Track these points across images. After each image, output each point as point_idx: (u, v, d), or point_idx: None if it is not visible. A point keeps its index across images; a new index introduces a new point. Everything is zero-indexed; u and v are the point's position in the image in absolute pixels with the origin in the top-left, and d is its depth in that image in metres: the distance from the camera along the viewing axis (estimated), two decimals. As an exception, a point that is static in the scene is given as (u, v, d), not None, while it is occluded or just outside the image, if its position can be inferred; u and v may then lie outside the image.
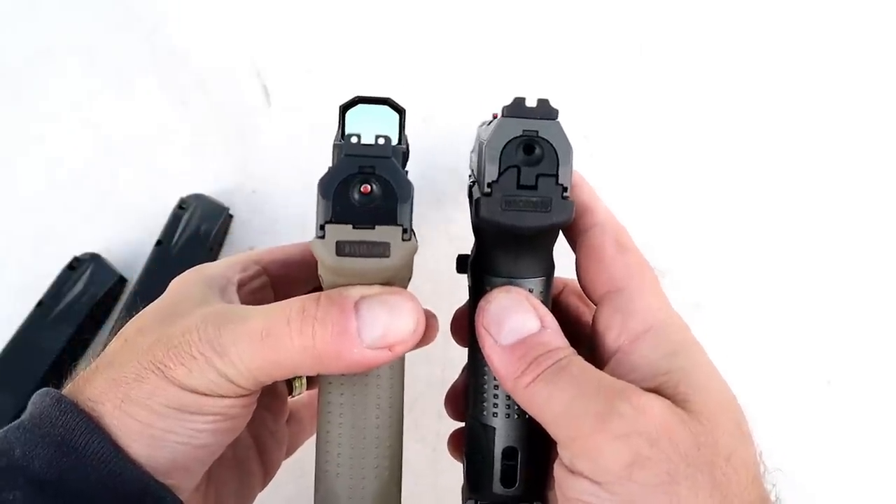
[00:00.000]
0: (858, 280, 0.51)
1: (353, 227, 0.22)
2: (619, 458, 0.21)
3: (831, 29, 0.54)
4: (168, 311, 0.27)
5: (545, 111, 0.25)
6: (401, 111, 0.25)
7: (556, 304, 0.32)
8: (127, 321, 0.29)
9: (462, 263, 0.30)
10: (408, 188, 0.23)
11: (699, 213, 0.52)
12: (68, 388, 0.26)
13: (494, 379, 0.28)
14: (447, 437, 0.45)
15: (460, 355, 0.47)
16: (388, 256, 0.23)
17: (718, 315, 0.51)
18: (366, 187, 0.22)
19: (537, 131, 0.25)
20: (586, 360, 0.25)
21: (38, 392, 0.26)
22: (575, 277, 0.29)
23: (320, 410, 0.27)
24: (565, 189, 0.25)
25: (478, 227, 0.27)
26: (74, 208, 0.53)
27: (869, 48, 0.53)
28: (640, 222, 0.51)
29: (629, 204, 0.52)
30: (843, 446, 0.49)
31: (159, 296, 0.31)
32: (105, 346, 0.28)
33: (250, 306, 0.26)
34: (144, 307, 0.29)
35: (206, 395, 0.25)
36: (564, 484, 0.23)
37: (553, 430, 0.23)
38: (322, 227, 0.22)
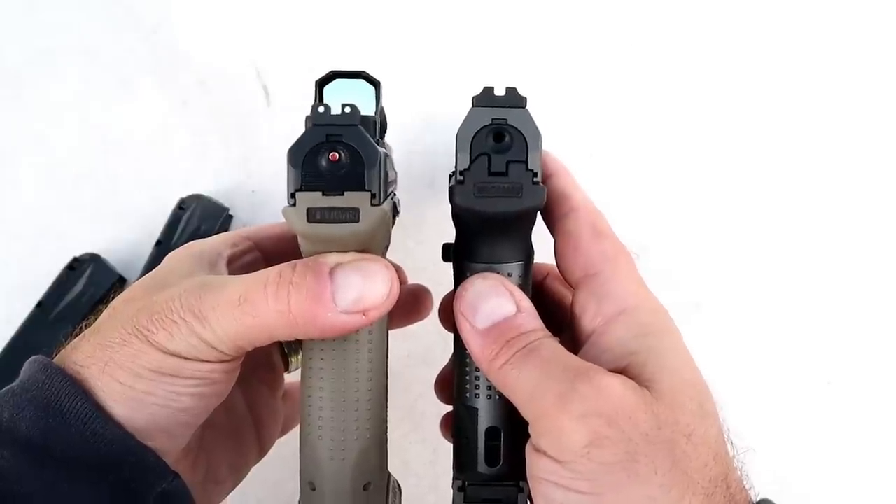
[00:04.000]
0: (858, 281, 0.51)
1: (323, 194, 0.23)
2: (578, 437, 0.22)
3: (827, 29, 0.54)
4: (156, 283, 0.28)
5: (514, 99, 0.26)
6: (376, 83, 0.26)
7: (540, 289, 0.33)
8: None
9: (447, 251, 0.31)
10: (375, 154, 0.23)
11: (699, 215, 0.52)
12: (58, 356, 0.27)
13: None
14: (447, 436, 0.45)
15: (460, 355, 0.47)
16: (358, 221, 0.24)
17: (718, 315, 0.51)
18: (333, 155, 0.23)
19: (506, 119, 0.25)
20: (567, 343, 0.26)
21: (29, 360, 0.28)
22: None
23: (302, 376, 0.28)
24: (535, 174, 0.25)
25: (455, 214, 0.28)
26: (74, 208, 0.53)
27: (866, 47, 0.53)
28: (640, 223, 0.51)
29: (629, 205, 0.52)
30: (844, 447, 0.49)
31: None
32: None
33: (233, 276, 0.27)
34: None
35: (186, 358, 0.25)
36: (531, 463, 0.24)
37: (523, 410, 0.24)
38: (293, 196, 0.23)
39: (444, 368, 0.36)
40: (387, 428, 0.30)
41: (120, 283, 0.49)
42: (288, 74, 0.59)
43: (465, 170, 0.25)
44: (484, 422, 0.28)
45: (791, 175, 0.53)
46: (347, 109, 0.23)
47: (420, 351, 0.49)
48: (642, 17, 0.55)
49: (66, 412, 0.25)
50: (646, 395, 0.22)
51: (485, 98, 0.26)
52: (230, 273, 0.31)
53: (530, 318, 0.26)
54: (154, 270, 0.30)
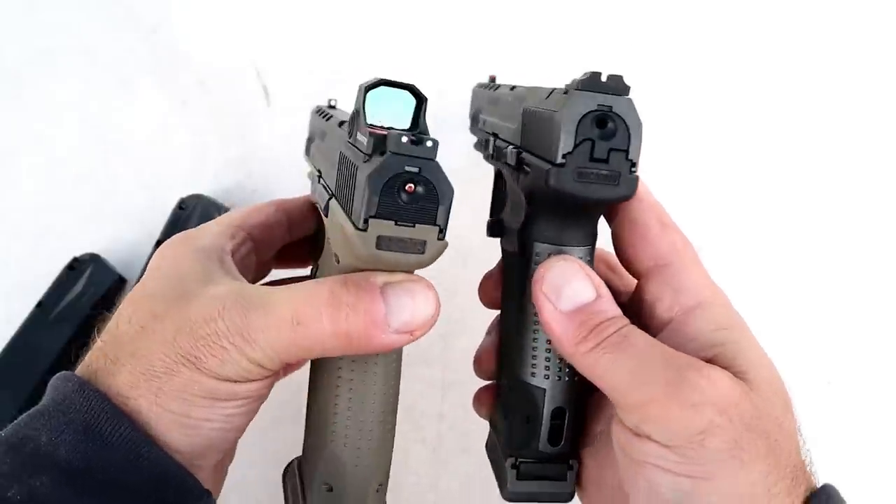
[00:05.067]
0: (859, 281, 0.51)
1: (395, 224, 0.23)
2: (692, 425, 0.22)
3: (843, 28, 0.54)
4: (176, 290, 0.27)
5: (618, 87, 0.25)
6: (422, 99, 0.25)
7: None
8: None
9: (496, 228, 0.31)
10: (449, 191, 0.24)
11: (698, 216, 0.52)
12: (86, 374, 0.26)
13: (547, 342, 0.29)
14: (447, 437, 0.45)
15: (460, 356, 0.47)
16: (423, 253, 0.24)
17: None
18: (410, 187, 0.23)
19: (611, 107, 0.25)
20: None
21: (57, 376, 0.26)
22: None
23: (325, 385, 0.28)
24: (633, 164, 0.25)
25: (537, 193, 0.28)
26: (74, 208, 0.53)
27: (864, 49, 0.53)
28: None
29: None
30: (843, 446, 0.49)
31: None
32: (110, 326, 0.28)
33: (269, 288, 0.27)
34: (140, 281, 0.29)
35: (237, 381, 0.25)
36: (630, 446, 0.24)
37: (616, 395, 0.25)
38: (366, 221, 0.23)
39: (482, 345, 0.35)
40: (395, 420, 0.31)
41: (120, 282, 0.49)
42: (288, 74, 0.59)
43: (567, 153, 0.25)
44: (551, 402, 0.29)
45: (791, 178, 0.53)
46: (429, 143, 0.23)
47: (420, 351, 0.49)
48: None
49: (107, 435, 0.24)
50: (745, 387, 0.23)
51: (591, 83, 0.25)
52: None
53: (611, 303, 0.26)
54: (159, 270, 0.29)
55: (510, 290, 0.31)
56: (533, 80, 0.45)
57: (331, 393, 0.28)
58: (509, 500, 0.30)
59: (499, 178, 0.39)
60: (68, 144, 0.56)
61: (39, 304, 0.46)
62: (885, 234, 0.52)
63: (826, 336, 0.52)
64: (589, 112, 0.25)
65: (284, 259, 0.37)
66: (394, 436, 0.30)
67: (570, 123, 0.25)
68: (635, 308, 0.28)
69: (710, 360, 0.24)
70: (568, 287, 0.26)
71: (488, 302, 0.34)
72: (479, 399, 0.35)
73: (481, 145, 0.38)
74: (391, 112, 0.25)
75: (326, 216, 0.29)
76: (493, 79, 0.45)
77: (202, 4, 0.62)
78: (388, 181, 0.23)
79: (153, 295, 0.28)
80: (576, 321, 0.26)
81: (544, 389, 0.29)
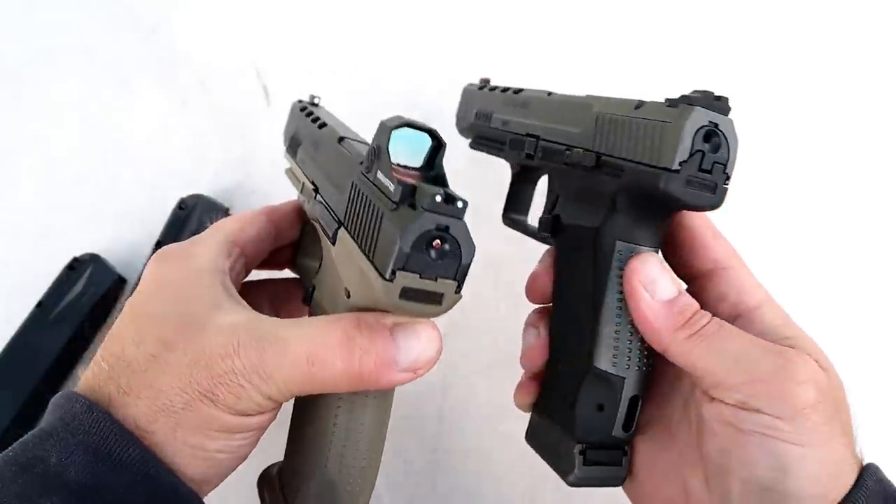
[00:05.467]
0: (860, 281, 0.51)
1: (420, 277, 0.24)
2: (800, 400, 0.26)
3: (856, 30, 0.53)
4: (183, 315, 0.28)
5: (724, 107, 0.28)
6: (441, 144, 0.27)
7: None
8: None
9: (553, 224, 0.34)
10: (471, 250, 0.25)
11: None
12: (93, 396, 0.27)
13: (630, 333, 0.31)
14: (447, 437, 0.45)
15: (460, 358, 0.47)
16: (440, 305, 0.25)
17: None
18: (438, 243, 0.24)
19: (717, 124, 0.28)
20: None
21: (62, 396, 0.27)
22: None
23: (321, 412, 0.30)
24: (728, 178, 0.28)
25: (633, 195, 0.30)
26: (74, 208, 0.53)
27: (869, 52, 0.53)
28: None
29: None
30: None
31: None
32: (114, 348, 0.28)
33: (280, 322, 0.27)
34: (137, 298, 0.29)
35: (251, 415, 0.27)
36: (739, 419, 0.27)
37: (715, 376, 0.28)
38: (393, 273, 0.24)
39: (530, 345, 0.36)
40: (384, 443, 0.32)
41: (119, 283, 0.49)
42: (288, 74, 0.59)
43: (683, 161, 0.27)
44: (629, 390, 0.31)
45: (790, 174, 0.53)
46: (460, 204, 0.24)
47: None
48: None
49: (116, 456, 0.25)
50: (825, 371, 0.27)
51: (704, 100, 0.28)
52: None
53: (691, 298, 0.30)
54: (159, 287, 0.29)
55: (576, 284, 0.32)
56: (525, 81, 0.46)
57: (328, 421, 0.30)
58: (573, 486, 0.32)
59: (523, 175, 0.41)
60: (68, 144, 0.56)
61: (39, 304, 0.46)
62: (885, 237, 0.52)
63: (826, 335, 0.52)
64: (702, 127, 0.28)
65: (265, 262, 0.37)
66: (381, 455, 0.31)
67: (688, 135, 0.27)
68: (702, 306, 0.31)
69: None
70: (661, 280, 0.29)
71: (539, 299, 0.36)
72: (524, 390, 0.36)
73: (504, 144, 0.39)
74: (409, 150, 0.26)
75: (333, 244, 0.30)
76: (487, 81, 0.46)
77: (202, 4, 0.62)
78: (419, 237, 0.24)
79: (159, 317, 0.28)
80: (673, 311, 0.29)
81: (623, 378, 0.31)
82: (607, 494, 0.44)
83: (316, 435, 0.30)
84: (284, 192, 0.43)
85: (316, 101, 0.41)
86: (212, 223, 0.35)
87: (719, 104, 0.28)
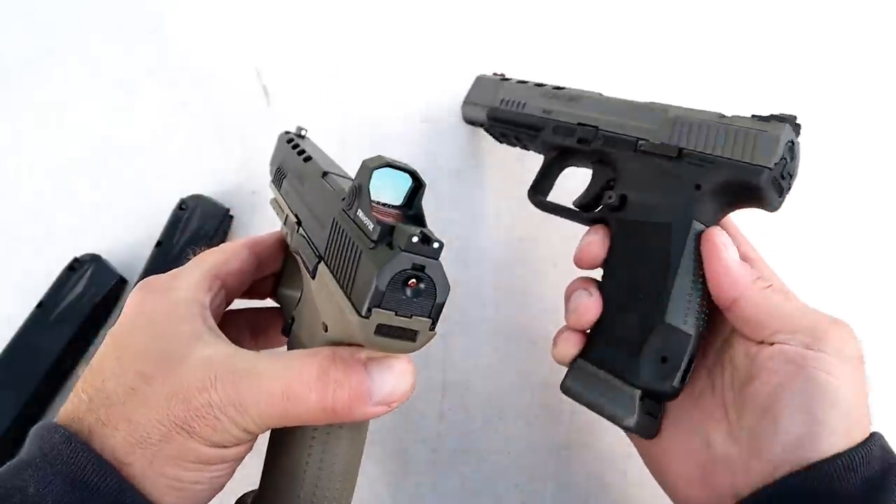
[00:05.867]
0: (856, 283, 0.51)
1: (395, 315, 0.25)
2: (856, 349, 0.33)
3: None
4: (163, 349, 0.28)
5: (798, 129, 0.36)
6: (421, 184, 0.27)
7: None
8: None
9: (621, 200, 0.39)
10: (446, 290, 0.26)
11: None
12: (72, 426, 0.27)
13: (699, 296, 0.36)
14: (447, 437, 0.45)
15: (459, 358, 0.47)
16: (414, 341, 0.26)
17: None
18: (413, 282, 0.25)
19: (794, 142, 0.36)
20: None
21: (41, 426, 0.28)
22: None
23: (296, 443, 0.31)
24: (790, 188, 0.37)
25: (725, 185, 0.36)
26: (75, 209, 0.53)
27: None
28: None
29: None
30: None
31: None
32: (95, 380, 0.29)
33: (257, 355, 0.28)
34: (118, 330, 0.30)
35: (227, 447, 0.27)
36: (805, 357, 0.32)
37: (788, 321, 0.33)
38: (369, 310, 0.25)
39: (584, 302, 0.39)
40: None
41: (120, 283, 0.49)
42: (288, 74, 0.59)
43: (776, 163, 0.35)
44: (692, 346, 0.35)
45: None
46: (436, 245, 0.25)
47: (420, 352, 0.49)
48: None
49: (94, 486, 0.25)
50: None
51: (790, 120, 0.36)
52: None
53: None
54: (140, 320, 0.30)
55: (646, 252, 0.38)
56: (530, 73, 0.45)
57: (303, 452, 0.30)
58: (629, 430, 0.36)
59: (559, 160, 0.46)
60: (69, 145, 0.56)
61: (40, 305, 0.46)
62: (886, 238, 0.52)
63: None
64: (790, 140, 0.36)
65: (246, 292, 0.38)
66: (355, 486, 0.33)
67: (782, 144, 0.35)
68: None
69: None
70: (733, 247, 0.35)
71: (589, 265, 0.40)
72: (569, 342, 0.38)
73: (542, 130, 0.46)
74: (390, 189, 0.27)
75: (313, 278, 0.31)
76: (502, 74, 0.52)
77: (202, 4, 0.62)
78: (395, 276, 0.24)
79: (139, 350, 0.29)
80: (747, 267, 0.35)
81: (690, 335, 0.35)
82: (604, 488, 0.44)
83: (290, 466, 0.31)
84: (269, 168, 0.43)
85: (303, 132, 0.42)
86: (195, 253, 0.36)
87: (797, 126, 0.36)
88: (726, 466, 0.33)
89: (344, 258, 0.27)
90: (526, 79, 0.50)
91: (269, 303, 0.41)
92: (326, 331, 0.29)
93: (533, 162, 0.53)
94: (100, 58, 0.60)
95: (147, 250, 0.48)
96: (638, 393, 0.35)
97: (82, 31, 0.61)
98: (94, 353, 0.46)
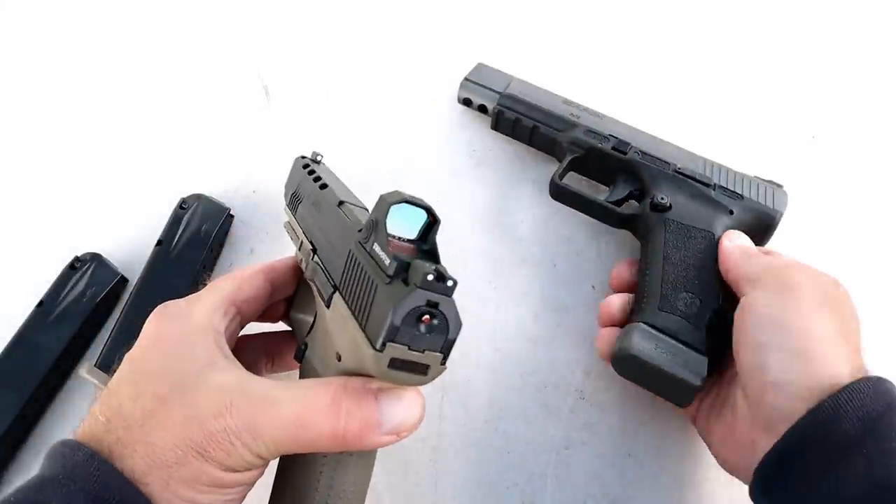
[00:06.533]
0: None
1: (409, 349, 0.26)
2: (797, 279, 0.37)
3: None
4: (179, 373, 0.29)
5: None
6: (436, 220, 0.28)
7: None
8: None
9: (660, 207, 0.46)
10: (458, 327, 0.26)
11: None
12: (92, 445, 0.28)
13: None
14: (447, 437, 0.45)
15: (460, 357, 0.47)
16: (425, 375, 0.27)
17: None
18: (427, 318, 0.25)
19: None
20: None
21: (62, 444, 0.29)
22: None
23: (306, 474, 0.31)
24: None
25: (752, 215, 0.46)
26: (75, 208, 0.53)
27: None
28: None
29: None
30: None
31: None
32: (112, 401, 0.30)
33: (272, 383, 0.29)
34: (136, 353, 0.31)
35: (240, 471, 0.28)
36: (747, 301, 0.37)
37: (748, 273, 0.39)
38: (384, 344, 0.25)
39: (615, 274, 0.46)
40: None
41: (121, 282, 0.49)
42: (288, 74, 0.59)
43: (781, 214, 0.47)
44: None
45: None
46: (450, 283, 0.25)
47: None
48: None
49: (116, 503, 0.26)
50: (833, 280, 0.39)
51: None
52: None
53: (764, 252, 0.42)
54: (156, 343, 0.31)
55: (689, 246, 0.44)
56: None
57: (312, 478, 0.31)
58: (697, 392, 0.39)
59: (579, 161, 0.50)
60: (69, 144, 0.56)
61: (40, 304, 0.46)
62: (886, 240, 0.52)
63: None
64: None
65: (259, 316, 0.38)
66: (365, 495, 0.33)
67: (786, 201, 0.48)
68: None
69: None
70: (744, 238, 0.43)
71: (620, 287, 0.45)
72: (608, 339, 0.42)
73: (572, 128, 0.50)
74: (405, 224, 0.28)
75: (328, 307, 0.31)
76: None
77: (203, 5, 0.62)
78: (410, 312, 0.25)
79: (156, 374, 0.30)
80: (742, 249, 0.42)
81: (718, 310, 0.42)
82: (604, 488, 0.44)
83: (300, 492, 0.31)
84: (283, 193, 0.43)
85: (318, 158, 0.42)
86: (215, 224, 0.35)
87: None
88: (744, 425, 0.36)
89: (360, 290, 0.28)
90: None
91: (282, 325, 0.41)
92: (340, 360, 0.30)
93: (534, 162, 0.53)
94: (100, 58, 0.60)
95: (148, 249, 0.48)
96: (706, 360, 0.39)
97: (83, 30, 0.61)
98: (94, 352, 0.46)
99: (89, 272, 0.47)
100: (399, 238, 0.28)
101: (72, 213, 0.53)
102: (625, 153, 0.48)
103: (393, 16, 0.61)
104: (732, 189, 0.47)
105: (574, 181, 0.51)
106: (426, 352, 0.26)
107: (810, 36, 0.61)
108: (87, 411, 0.44)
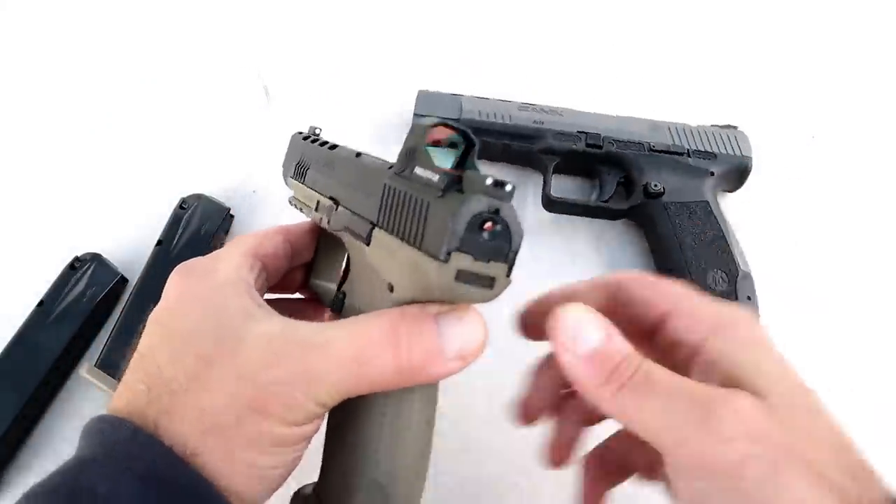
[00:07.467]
0: (856, 284, 0.51)
1: (474, 259, 0.24)
2: (729, 458, 0.22)
3: None
4: (218, 331, 0.27)
5: None
6: (473, 143, 0.27)
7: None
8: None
9: (656, 193, 0.48)
10: (520, 233, 0.25)
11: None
12: (135, 419, 0.25)
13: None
14: (447, 437, 0.45)
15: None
16: (491, 289, 0.25)
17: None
18: (489, 225, 0.24)
19: None
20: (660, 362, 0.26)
21: (99, 421, 0.26)
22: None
23: (366, 421, 0.29)
24: None
25: (729, 168, 0.50)
26: (75, 208, 0.53)
27: None
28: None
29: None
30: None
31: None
32: (149, 367, 0.27)
33: (319, 325, 0.27)
34: (164, 315, 0.29)
35: (303, 424, 0.26)
36: (679, 486, 0.24)
37: (651, 437, 0.24)
38: (448, 254, 0.24)
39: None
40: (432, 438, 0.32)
41: (121, 282, 0.49)
42: (288, 74, 0.59)
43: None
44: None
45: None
46: (508, 188, 0.24)
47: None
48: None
49: (168, 482, 0.24)
50: (769, 407, 0.23)
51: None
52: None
53: (623, 342, 0.26)
54: (185, 302, 0.29)
55: (694, 224, 0.47)
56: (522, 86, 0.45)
57: (374, 424, 0.29)
58: None
59: (562, 164, 0.51)
60: (69, 144, 0.56)
61: (40, 304, 0.46)
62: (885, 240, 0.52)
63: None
64: None
65: (277, 285, 0.36)
66: (430, 458, 0.31)
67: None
68: (662, 342, 0.28)
69: (733, 383, 0.24)
70: (585, 328, 0.26)
71: (530, 336, 0.35)
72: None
73: (539, 139, 0.50)
74: (439, 153, 0.27)
75: (368, 244, 0.30)
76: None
77: (203, 4, 0.62)
78: (472, 218, 0.24)
79: (192, 333, 0.27)
80: (596, 364, 0.25)
81: (748, 272, 0.46)
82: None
83: (362, 441, 0.29)
84: (285, 192, 0.43)
85: (317, 131, 0.42)
86: (215, 224, 0.34)
87: None
88: None
89: (407, 215, 0.27)
90: (483, 96, 0.52)
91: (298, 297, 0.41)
92: (392, 291, 0.28)
93: (514, 176, 0.53)
94: (100, 58, 0.60)
95: (148, 249, 0.48)
96: None
97: (83, 30, 0.61)
98: (94, 352, 0.46)
99: (89, 272, 0.47)
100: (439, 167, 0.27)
101: (72, 213, 0.53)
102: (600, 147, 0.50)
103: (393, 16, 0.61)
104: (705, 150, 0.49)
105: (560, 183, 0.52)
106: (491, 262, 0.24)
107: (810, 36, 0.61)
108: (86, 411, 0.45)
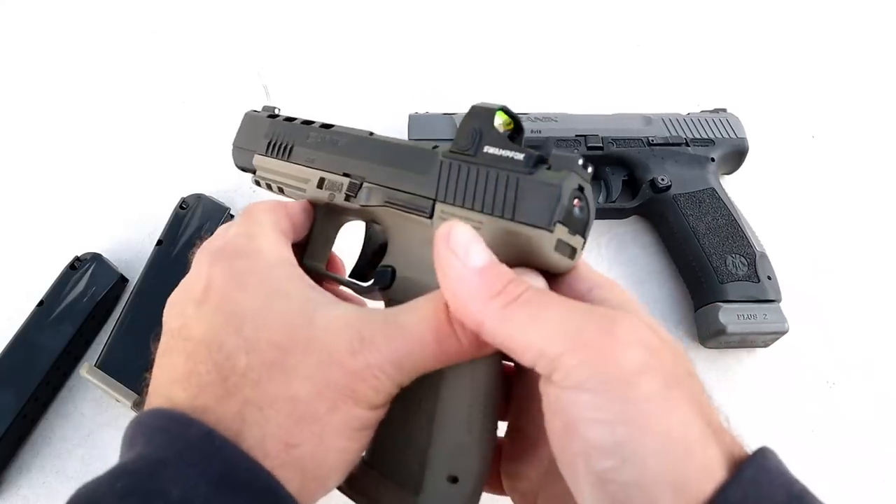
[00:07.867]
0: (855, 284, 0.51)
1: (569, 232, 0.26)
2: (627, 363, 0.22)
3: None
4: (284, 317, 0.26)
5: None
6: (521, 130, 0.29)
7: None
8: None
9: (663, 187, 0.49)
10: (595, 211, 0.27)
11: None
12: (204, 417, 0.24)
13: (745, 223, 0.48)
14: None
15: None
16: (573, 259, 0.27)
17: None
18: (578, 202, 0.26)
19: None
20: None
21: (162, 418, 0.24)
22: None
23: (449, 381, 0.28)
24: None
25: (728, 152, 0.51)
26: (76, 208, 0.53)
27: None
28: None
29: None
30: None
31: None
32: (217, 358, 0.25)
33: (387, 310, 0.27)
34: (220, 299, 0.27)
35: (384, 406, 0.26)
36: (560, 404, 0.23)
37: (539, 349, 0.23)
38: (553, 224, 0.26)
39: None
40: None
41: (121, 282, 0.49)
42: (288, 74, 0.59)
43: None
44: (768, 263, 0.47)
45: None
46: (590, 169, 0.26)
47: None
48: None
49: (242, 485, 0.23)
50: (659, 337, 0.24)
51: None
52: None
53: (506, 267, 0.25)
54: (241, 288, 0.27)
55: (705, 212, 0.48)
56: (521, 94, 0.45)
57: (457, 386, 0.28)
58: (783, 334, 0.44)
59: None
60: (69, 145, 0.56)
61: (41, 304, 0.46)
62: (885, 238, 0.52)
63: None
64: None
65: None
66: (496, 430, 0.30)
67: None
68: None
69: None
70: (473, 246, 0.25)
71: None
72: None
73: (548, 147, 0.48)
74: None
75: (430, 217, 0.30)
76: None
77: (203, 5, 0.62)
78: (572, 193, 0.26)
79: (259, 320, 0.26)
80: (488, 278, 0.24)
81: (763, 252, 0.47)
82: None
83: (448, 406, 0.29)
84: (234, 148, 0.42)
85: (277, 111, 0.42)
86: (215, 224, 0.32)
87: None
88: None
89: (486, 189, 0.28)
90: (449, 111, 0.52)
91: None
92: None
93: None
94: (100, 58, 0.60)
95: (148, 249, 0.48)
96: (779, 304, 0.45)
97: (83, 30, 0.61)
98: (94, 352, 0.46)
99: (89, 272, 0.47)
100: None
101: (72, 213, 0.53)
102: (602, 148, 0.50)
103: (393, 16, 0.61)
104: (702, 137, 0.50)
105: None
106: (576, 234, 0.27)
107: (810, 37, 0.61)
108: (87, 411, 0.45)
